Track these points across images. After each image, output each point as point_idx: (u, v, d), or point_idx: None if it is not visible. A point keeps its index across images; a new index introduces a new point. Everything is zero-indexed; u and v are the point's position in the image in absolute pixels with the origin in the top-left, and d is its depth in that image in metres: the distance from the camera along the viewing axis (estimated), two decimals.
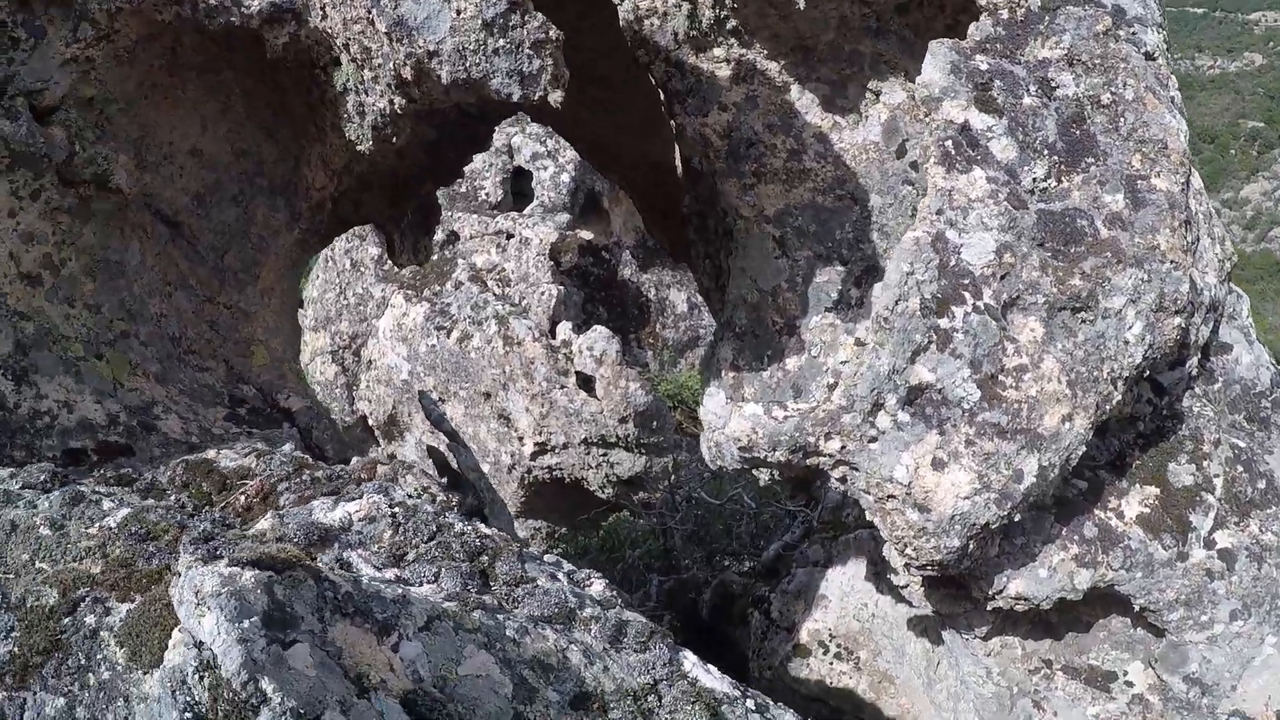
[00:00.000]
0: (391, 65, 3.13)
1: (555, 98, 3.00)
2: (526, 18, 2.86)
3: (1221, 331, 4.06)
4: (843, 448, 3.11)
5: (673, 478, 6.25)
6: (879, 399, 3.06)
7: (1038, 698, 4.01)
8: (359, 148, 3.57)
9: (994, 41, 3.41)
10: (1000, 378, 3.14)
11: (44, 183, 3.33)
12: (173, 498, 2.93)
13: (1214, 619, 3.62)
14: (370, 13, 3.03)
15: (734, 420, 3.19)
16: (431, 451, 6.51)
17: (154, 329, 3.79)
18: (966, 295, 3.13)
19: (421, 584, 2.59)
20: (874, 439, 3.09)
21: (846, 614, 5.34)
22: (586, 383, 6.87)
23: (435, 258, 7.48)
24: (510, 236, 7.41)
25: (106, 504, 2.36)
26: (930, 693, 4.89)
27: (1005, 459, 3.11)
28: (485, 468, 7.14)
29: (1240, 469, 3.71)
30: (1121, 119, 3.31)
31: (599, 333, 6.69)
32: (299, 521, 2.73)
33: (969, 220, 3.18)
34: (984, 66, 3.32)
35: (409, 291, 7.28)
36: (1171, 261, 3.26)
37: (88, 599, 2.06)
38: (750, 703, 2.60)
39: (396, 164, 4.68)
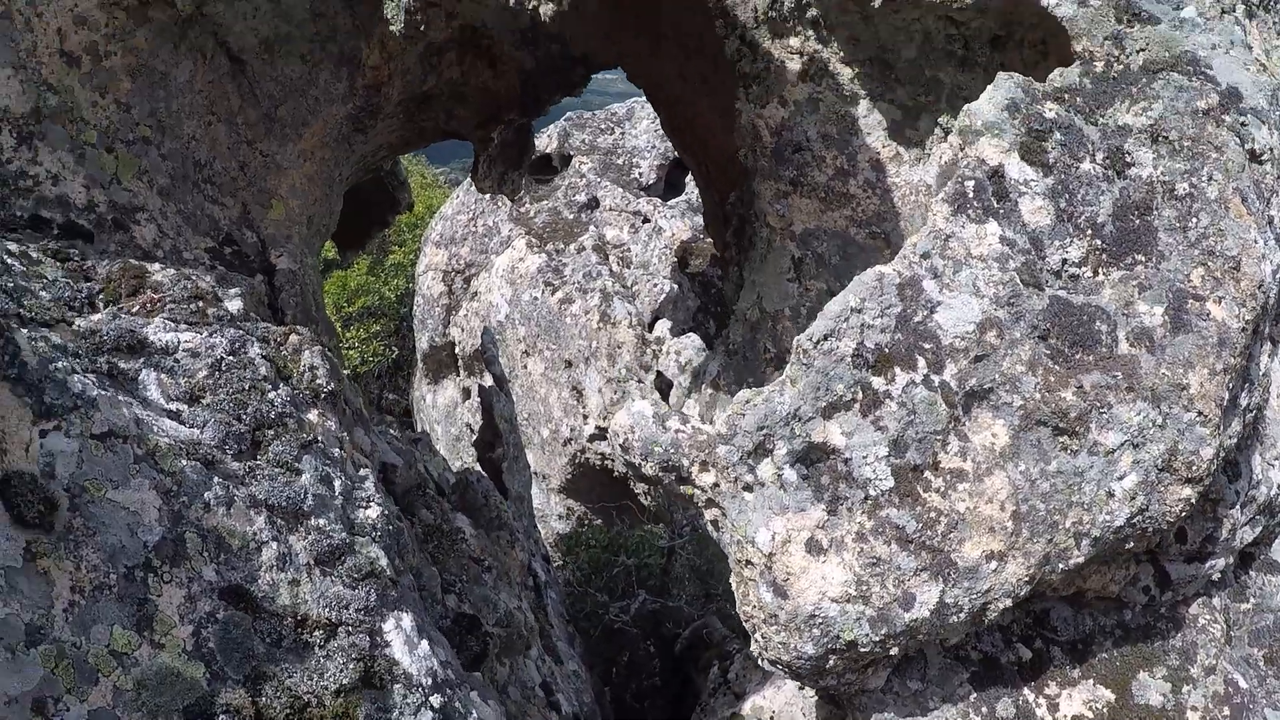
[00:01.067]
0: None
1: (546, 10, 2.75)
2: None
3: (1276, 548, 3.21)
4: (716, 485, 2.65)
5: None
6: (767, 442, 2.58)
7: None
8: (392, 27, 3.46)
9: (1074, 93, 2.82)
10: (927, 474, 2.57)
11: None
12: (85, 284, 2.92)
13: None
14: None
15: (621, 413, 2.80)
16: (481, 391, 6.41)
17: (179, 147, 3.80)
18: (920, 362, 2.59)
19: (190, 426, 2.43)
20: (750, 488, 2.61)
21: (794, 704, 4.75)
22: (665, 385, 6.53)
23: (570, 218, 7.39)
24: (646, 221, 7.18)
25: None
26: None
27: (898, 574, 2.55)
28: (544, 432, 6.96)
29: (1227, 713, 2.89)
30: (1193, 219, 2.64)
31: (691, 340, 6.33)
32: (124, 325, 2.64)
33: (959, 278, 2.63)
34: (1049, 114, 2.74)
35: (533, 240, 7.20)
36: (1199, 413, 2.56)
37: None
38: (436, 700, 2.23)
39: (490, 81, 4.58)
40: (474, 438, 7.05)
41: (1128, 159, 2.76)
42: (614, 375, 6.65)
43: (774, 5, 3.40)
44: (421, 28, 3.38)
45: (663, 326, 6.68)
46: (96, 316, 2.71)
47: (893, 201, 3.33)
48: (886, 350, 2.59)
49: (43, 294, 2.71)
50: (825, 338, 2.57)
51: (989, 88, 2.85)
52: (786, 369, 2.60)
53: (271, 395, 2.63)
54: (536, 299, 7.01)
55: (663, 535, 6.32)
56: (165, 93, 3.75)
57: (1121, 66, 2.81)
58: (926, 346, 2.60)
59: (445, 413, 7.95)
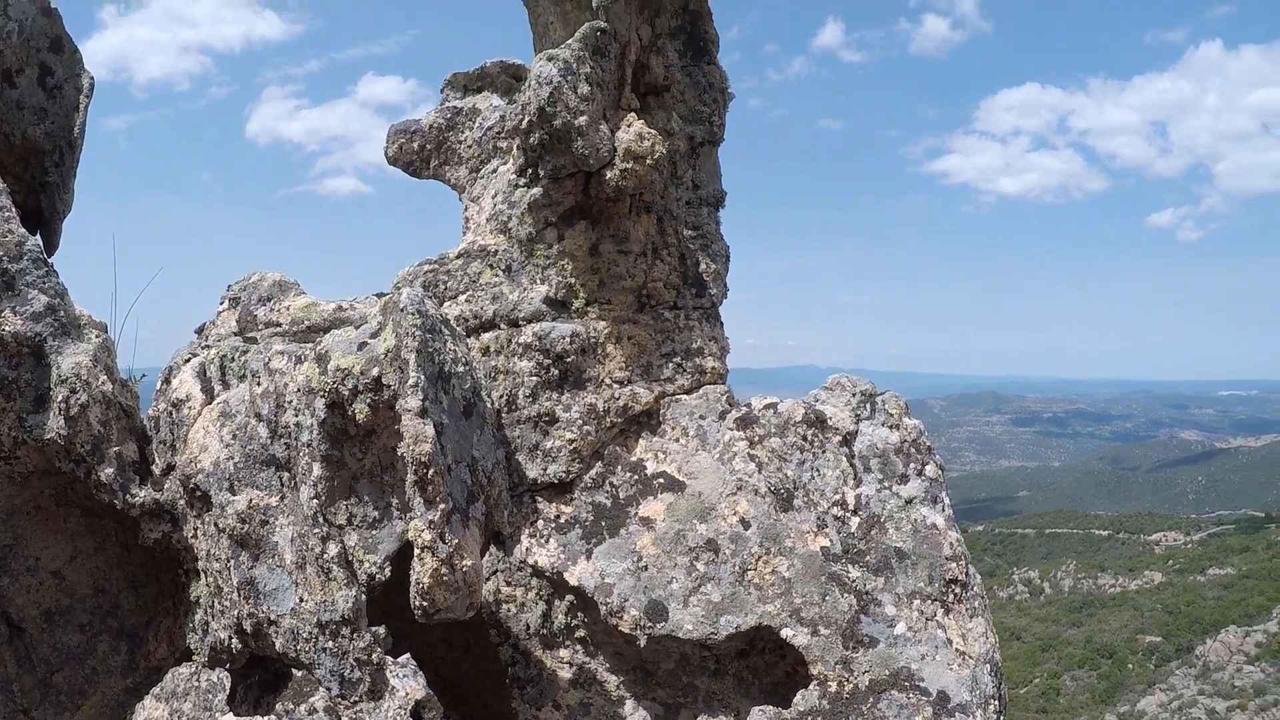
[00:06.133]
0: (236, 613, 3.29)
1: (367, 707, 3.14)
2: (356, 636, 3.05)
3: None
4: None
5: None
6: None
7: None
8: (195, 657, 3.64)
9: (815, 714, 3.53)
10: None
11: None
12: None
13: None
14: (229, 562, 3.24)
15: None
16: None
17: None
18: None
19: None
20: None
21: None
22: None
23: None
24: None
25: None
26: None
27: None
28: None
29: None
30: None
31: None
32: None
33: None
34: None
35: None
36: None
37: None
38: None
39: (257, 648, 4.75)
40: None
41: None
42: None
43: (545, 624, 4.00)
44: (227, 664, 3.59)
45: None
46: None
47: None
48: None
49: None
50: None
51: None
52: None
53: None
54: None
55: None
56: None
57: (852, 686, 3.53)
58: None
59: None
